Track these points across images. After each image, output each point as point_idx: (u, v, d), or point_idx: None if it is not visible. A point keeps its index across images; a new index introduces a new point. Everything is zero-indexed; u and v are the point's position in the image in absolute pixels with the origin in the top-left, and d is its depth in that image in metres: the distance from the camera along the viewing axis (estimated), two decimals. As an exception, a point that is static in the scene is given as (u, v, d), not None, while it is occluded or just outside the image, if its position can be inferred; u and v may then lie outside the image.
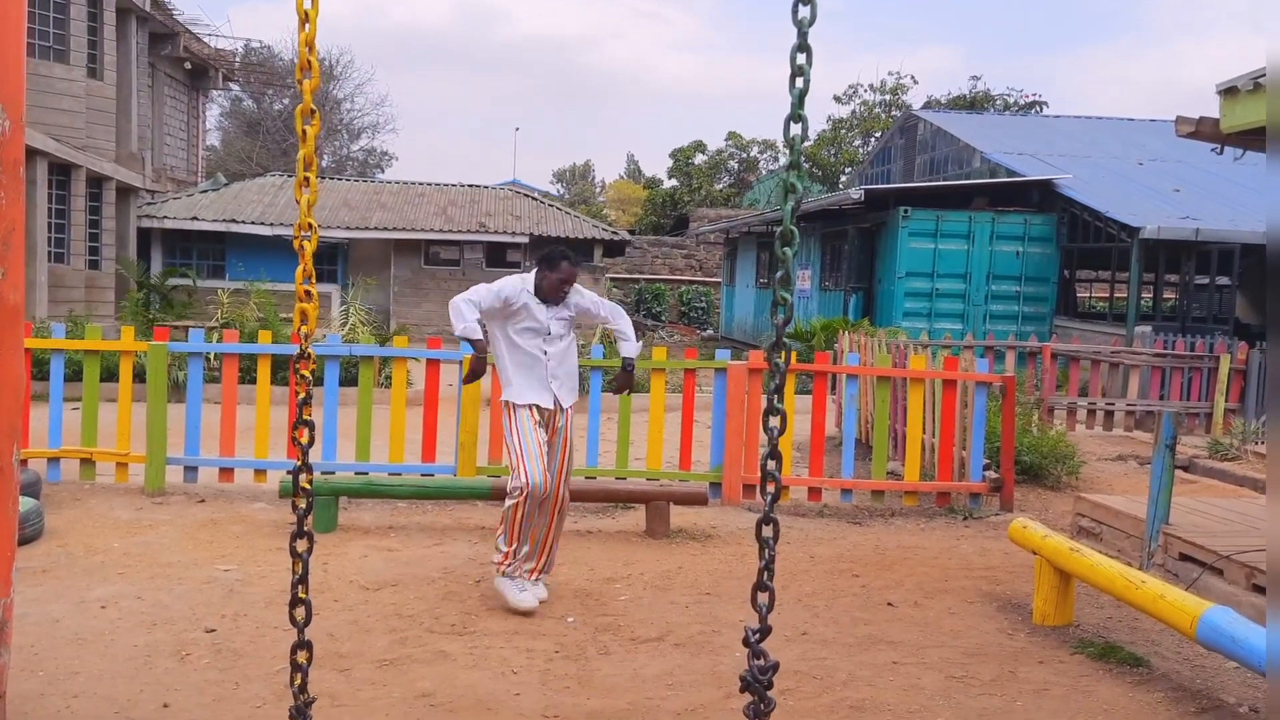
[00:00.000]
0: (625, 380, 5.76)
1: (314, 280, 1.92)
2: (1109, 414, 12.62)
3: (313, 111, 1.78)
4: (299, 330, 1.98)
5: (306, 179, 1.83)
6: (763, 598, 1.86)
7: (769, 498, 1.81)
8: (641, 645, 4.68)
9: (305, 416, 2.08)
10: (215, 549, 5.99)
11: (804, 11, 1.64)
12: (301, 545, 2.08)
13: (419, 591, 5.31)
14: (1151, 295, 19.49)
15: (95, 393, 7.31)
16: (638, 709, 3.97)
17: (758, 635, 1.85)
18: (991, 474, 7.87)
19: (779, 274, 1.69)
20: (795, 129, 1.66)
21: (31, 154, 16.13)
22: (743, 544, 6.62)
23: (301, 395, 2.09)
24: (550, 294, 5.37)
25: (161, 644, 4.48)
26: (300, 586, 2.09)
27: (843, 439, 7.85)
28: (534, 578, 5.31)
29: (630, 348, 5.71)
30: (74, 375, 8.52)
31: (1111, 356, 12.98)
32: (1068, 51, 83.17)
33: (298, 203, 1.82)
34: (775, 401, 1.75)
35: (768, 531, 1.83)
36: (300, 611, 2.10)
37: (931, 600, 5.57)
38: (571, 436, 5.46)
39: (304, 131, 1.78)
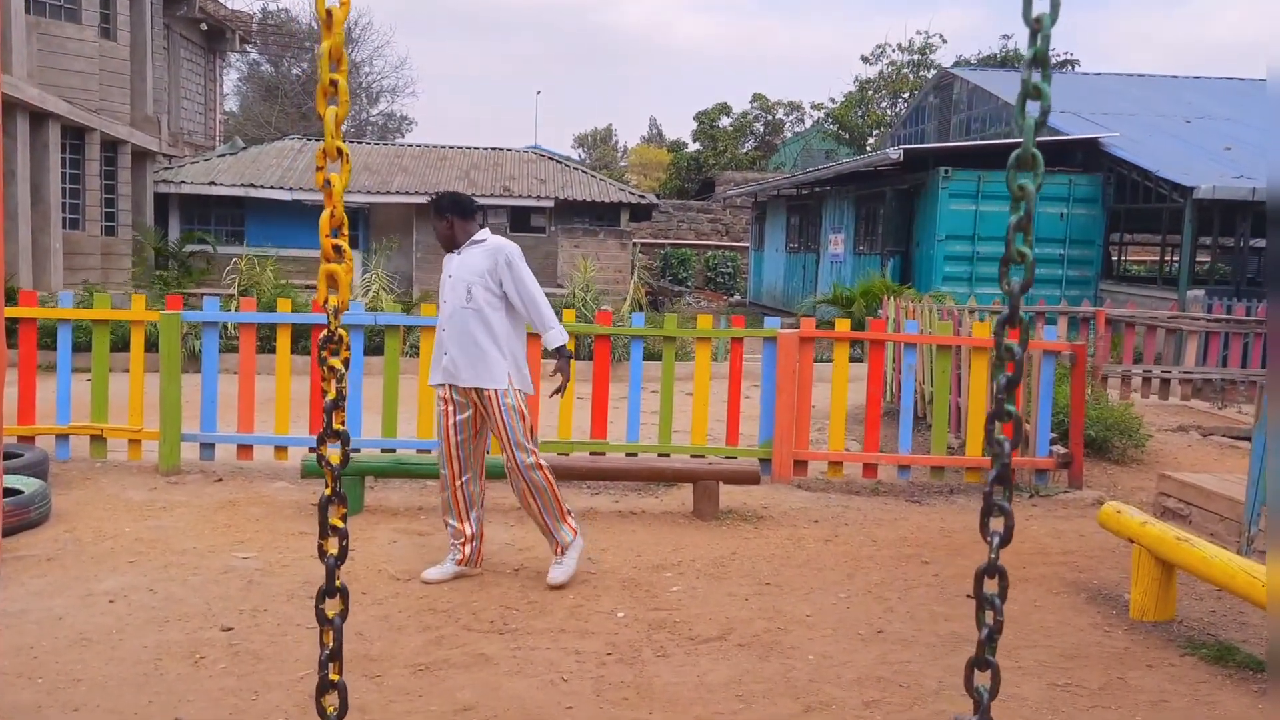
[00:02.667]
0: (565, 371, 5.03)
1: (346, 230, 1.40)
2: (1165, 382, 12.03)
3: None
4: (324, 301, 1.45)
5: (334, 84, 1.32)
6: (982, 678, 1.34)
7: (995, 539, 1.31)
8: (702, 646, 4.21)
9: (337, 426, 1.53)
10: (233, 534, 5.56)
11: None
12: (333, 608, 1.58)
13: (453, 582, 4.87)
14: (1200, 259, 18.79)
15: (105, 366, 6.87)
16: (706, 724, 3.51)
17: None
18: (1059, 449, 7.35)
19: (1015, 218, 1.18)
20: (1040, 4, 1.15)
21: (44, 116, 15.69)
22: (797, 526, 6.14)
23: (330, 396, 1.54)
24: (441, 241, 5.03)
25: (173, 645, 4.05)
26: (332, 665, 1.58)
27: (900, 412, 7.33)
28: (557, 554, 4.94)
29: (557, 335, 4.94)
30: (85, 345, 8.09)
31: (1169, 322, 12.36)
32: (1090, 9, 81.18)
33: (321, 116, 1.31)
34: (1005, 403, 1.25)
35: (991, 587, 1.32)
36: (332, 700, 1.59)
37: (1013, 591, 5.05)
38: (503, 428, 4.82)
39: (329, 12, 1.26)
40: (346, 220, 1.40)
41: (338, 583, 1.53)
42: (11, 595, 4.49)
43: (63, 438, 6.83)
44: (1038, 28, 1.13)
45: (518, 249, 4.99)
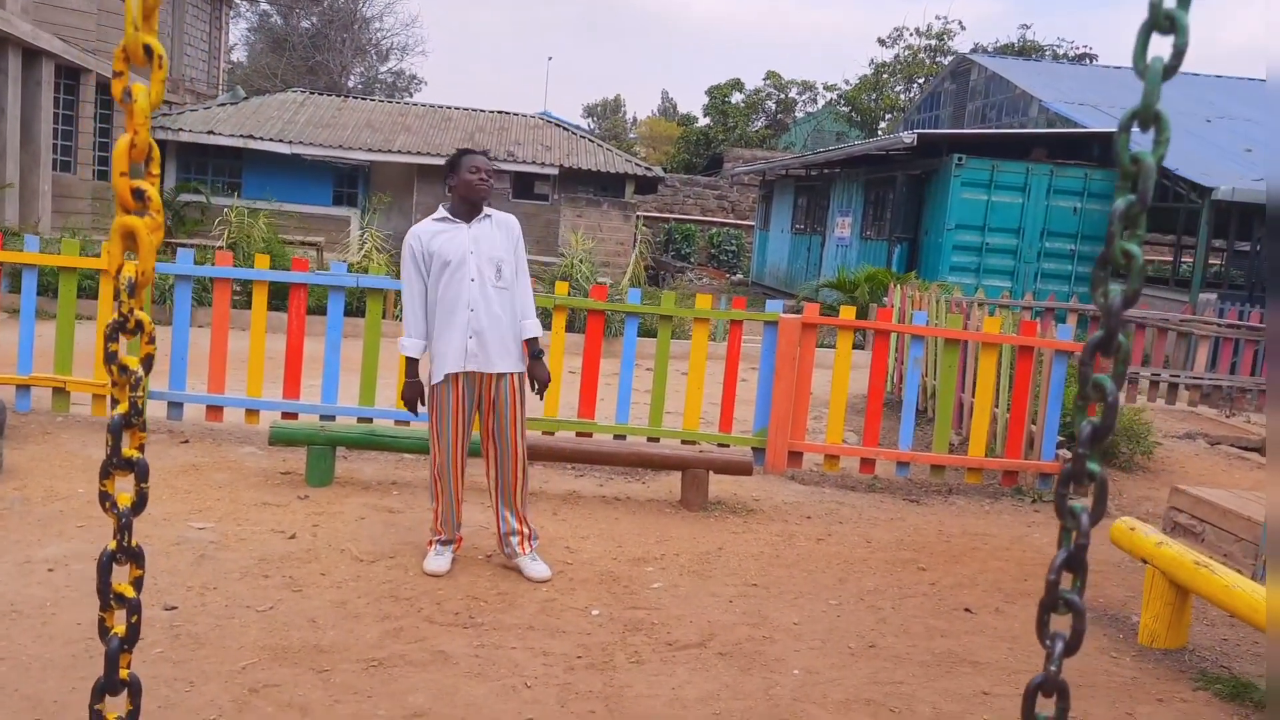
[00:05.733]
0: (544, 371, 4.61)
1: (156, 169, 1.06)
2: (1172, 387, 11.71)
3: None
4: (115, 271, 1.10)
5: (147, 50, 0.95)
6: None
7: (1058, 647, 0.97)
8: (680, 653, 3.91)
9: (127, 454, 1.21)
10: (193, 501, 5.25)
11: None
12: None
13: (420, 566, 4.56)
14: (1220, 261, 18.43)
15: (71, 315, 6.53)
16: (678, 745, 3.21)
17: None
18: (1065, 453, 7.03)
19: (1122, 204, 0.85)
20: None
21: (36, 54, 15.25)
22: (789, 521, 5.83)
23: (120, 410, 1.22)
24: (469, 194, 4.45)
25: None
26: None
27: (903, 406, 7.01)
28: (525, 550, 4.63)
29: (535, 326, 4.59)
30: (53, 291, 7.73)
31: (1180, 325, 12.03)
32: (1107, 4, 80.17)
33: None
34: (1087, 459, 0.93)
35: (1048, 709, 0.99)
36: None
37: (1013, 605, 4.78)
38: (518, 411, 4.53)
39: None
40: (157, 152, 1.05)
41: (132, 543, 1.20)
42: (-57, 558, 4.19)
43: (23, 389, 6.49)
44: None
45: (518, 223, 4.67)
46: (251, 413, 6.58)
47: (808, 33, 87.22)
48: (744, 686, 3.65)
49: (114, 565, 1.20)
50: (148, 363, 1.16)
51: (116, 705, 1.38)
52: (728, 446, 6.67)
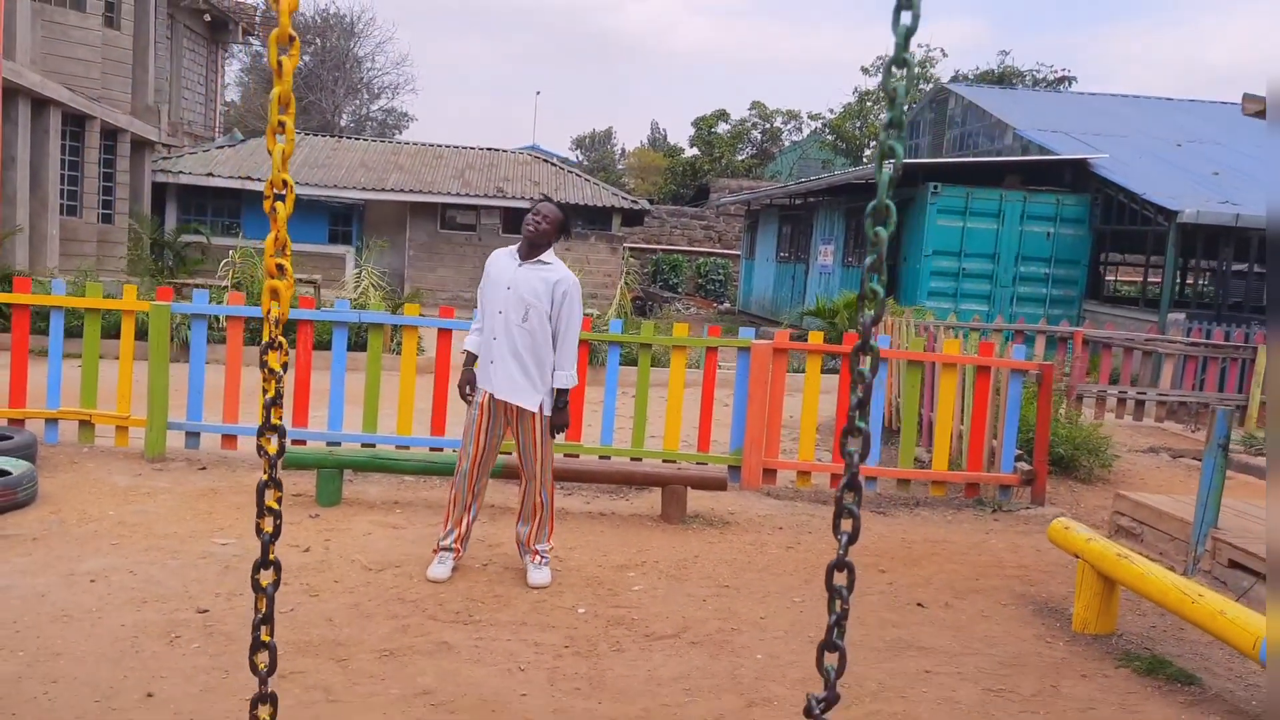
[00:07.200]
0: (562, 419, 5.09)
1: (289, 251, 1.60)
2: (1140, 404, 12.23)
3: (291, 38, 1.45)
4: (269, 313, 1.65)
5: (282, 124, 1.51)
6: (831, 659, 1.54)
7: (844, 538, 1.49)
8: (656, 642, 4.40)
9: (275, 420, 1.75)
10: (214, 520, 5.74)
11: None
12: (266, 578, 1.78)
13: (423, 574, 5.04)
14: (1185, 281, 19.02)
15: (96, 353, 7.04)
16: (652, 716, 3.70)
17: (823, 705, 1.52)
18: (1024, 465, 7.55)
19: (870, 260, 1.37)
20: (898, 74, 1.33)
21: (45, 103, 15.84)
22: (761, 532, 6.33)
23: (269, 394, 1.76)
24: (524, 233, 4.99)
25: (151, 624, 4.23)
26: (264, 628, 1.78)
27: (869, 424, 7.52)
28: (534, 560, 5.10)
29: (569, 379, 5.04)
30: (78, 331, 8.24)
31: (1146, 344, 12.58)
32: (1089, 29, 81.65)
33: (270, 154, 1.50)
34: (856, 419, 1.44)
35: (840, 579, 1.51)
36: (263, 657, 1.79)
37: (963, 601, 5.28)
38: (537, 448, 5.01)
39: (279, 64, 1.45)
40: (290, 243, 1.59)
41: (271, 557, 1.73)
42: (-4, 572, 4.67)
43: (52, 422, 6.99)
44: (893, 96, 1.31)
45: (579, 286, 5.11)
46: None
47: (794, 60, 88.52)
48: (713, 668, 4.15)
49: (261, 569, 1.73)
50: (278, 397, 1.70)
51: (262, 659, 1.85)
52: (706, 465, 7.17)
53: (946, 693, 4.06)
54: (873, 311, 1.35)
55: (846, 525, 1.49)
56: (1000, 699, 4.03)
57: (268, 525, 1.74)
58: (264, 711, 1.78)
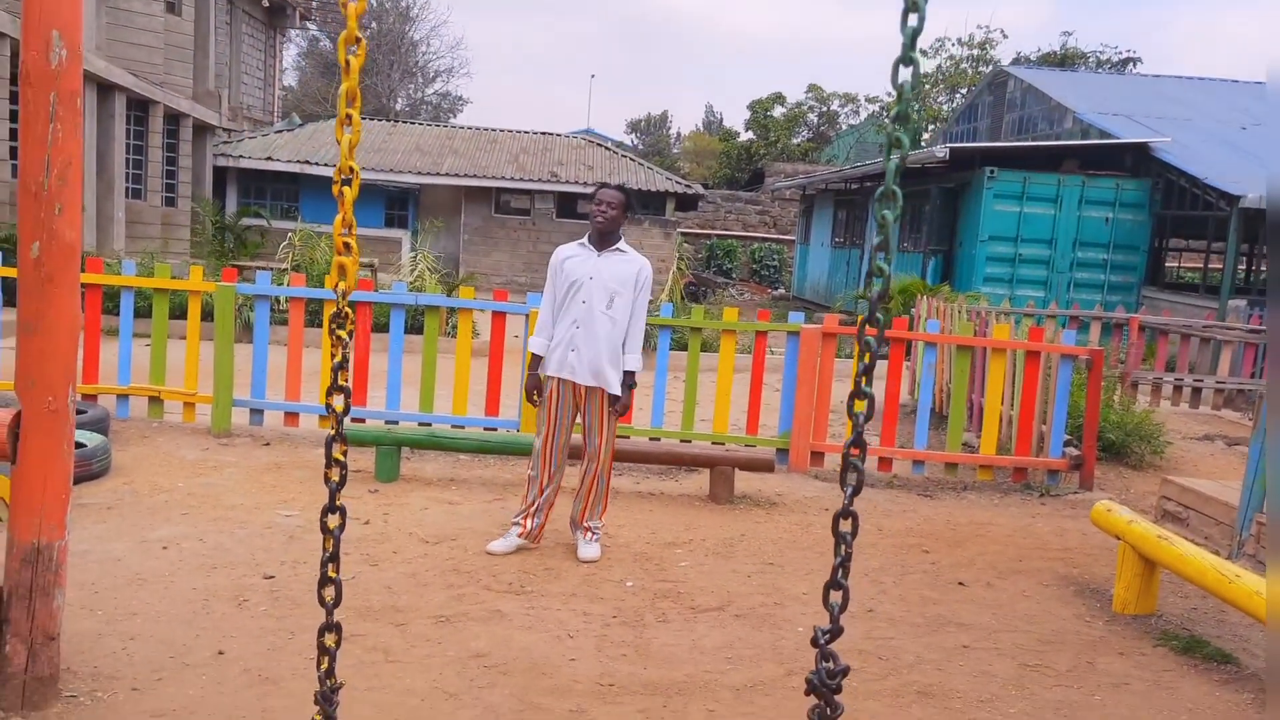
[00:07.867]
0: (626, 401, 5.22)
1: (354, 230, 1.77)
2: (1196, 391, 12.10)
3: (358, 39, 1.60)
4: (337, 286, 1.83)
5: (349, 116, 1.67)
6: (835, 596, 1.67)
7: (849, 490, 1.62)
8: (701, 615, 4.55)
9: (341, 381, 1.93)
10: (278, 493, 5.98)
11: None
12: (334, 521, 1.95)
13: (478, 547, 5.23)
14: (1250, 268, 18.68)
15: (164, 332, 7.33)
16: (695, 682, 3.84)
17: (828, 636, 1.66)
18: (1072, 451, 7.56)
19: (878, 240, 1.48)
20: (905, 73, 1.44)
21: (110, 89, 16.31)
22: (808, 513, 6.44)
23: (337, 359, 1.94)
24: (592, 223, 5.18)
25: (220, 588, 4.46)
26: (331, 565, 1.95)
27: (917, 408, 7.58)
28: (586, 536, 5.26)
29: (635, 361, 5.22)
30: (146, 310, 8.57)
31: (1203, 331, 12.42)
32: (1154, 7, 79.72)
33: (338, 143, 1.67)
34: (863, 384, 1.56)
35: (845, 526, 1.63)
36: (330, 591, 1.96)
37: (1004, 581, 5.35)
38: (604, 427, 5.18)
39: (347, 62, 1.61)
40: (355, 223, 1.77)
41: (338, 502, 1.91)
42: (75, 538, 4.92)
43: (123, 398, 7.31)
44: (900, 92, 1.42)
45: (652, 271, 5.32)
46: (325, 418, 7.31)
47: (852, 42, 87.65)
48: (755, 639, 4.28)
49: (329, 513, 1.91)
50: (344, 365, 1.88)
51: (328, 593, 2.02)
52: (754, 448, 7.28)
53: (983, 666, 4.15)
54: (880, 286, 1.47)
55: (852, 479, 1.61)
56: (1035, 673, 4.11)
57: (334, 474, 1.91)
58: (330, 639, 1.95)
